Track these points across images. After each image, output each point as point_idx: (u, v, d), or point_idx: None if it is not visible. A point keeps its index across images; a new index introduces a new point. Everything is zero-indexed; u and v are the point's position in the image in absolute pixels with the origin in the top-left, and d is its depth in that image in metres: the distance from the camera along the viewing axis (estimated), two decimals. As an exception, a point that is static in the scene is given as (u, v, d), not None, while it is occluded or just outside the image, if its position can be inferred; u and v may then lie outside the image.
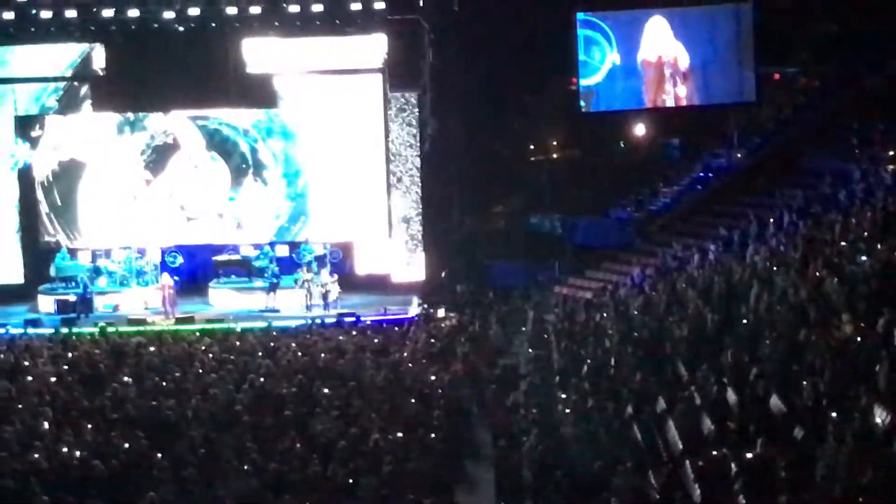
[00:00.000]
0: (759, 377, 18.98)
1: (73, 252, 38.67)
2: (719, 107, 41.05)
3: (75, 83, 38.88)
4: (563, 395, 22.63)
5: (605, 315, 29.90)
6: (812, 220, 30.41)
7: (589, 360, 24.59)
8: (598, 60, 40.75)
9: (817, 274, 23.33)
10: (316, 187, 38.83)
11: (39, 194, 39.14)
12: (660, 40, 40.54)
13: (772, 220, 32.81)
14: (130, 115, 38.85)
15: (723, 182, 39.71)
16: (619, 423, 19.86)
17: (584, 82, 40.94)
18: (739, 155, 40.34)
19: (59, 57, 38.61)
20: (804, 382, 17.80)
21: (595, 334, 27.50)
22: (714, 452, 17.21)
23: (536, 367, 26.39)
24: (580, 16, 40.47)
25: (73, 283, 37.11)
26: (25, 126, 38.94)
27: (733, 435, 17.41)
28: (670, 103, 41.22)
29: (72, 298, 36.21)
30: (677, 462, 17.98)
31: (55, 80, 38.83)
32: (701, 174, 40.69)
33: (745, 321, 22.95)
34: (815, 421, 16.61)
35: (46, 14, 37.74)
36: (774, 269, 26.24)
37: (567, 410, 21.52)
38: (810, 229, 29.14)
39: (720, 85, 40.75)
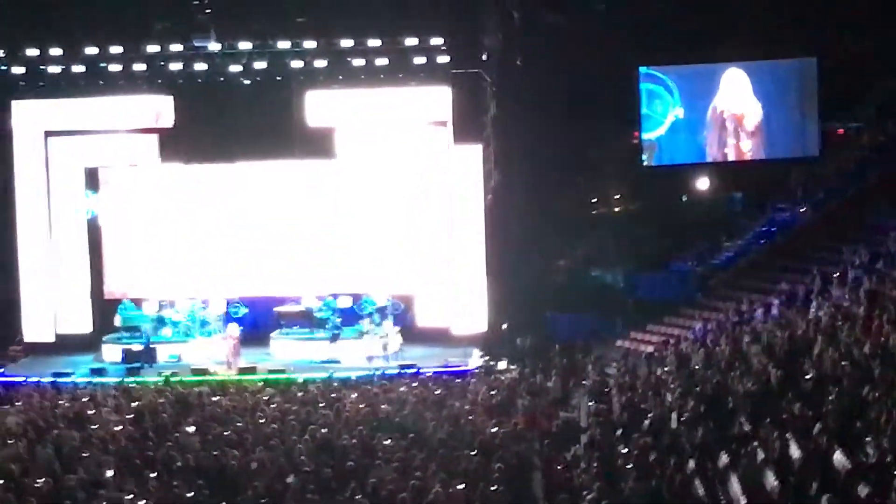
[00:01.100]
0: (823, 433, 18.86)
1: (138, 302, 39.06)
2: (782, 161, 40.95)
3: (143, 135, 39.36)
4: (625, 450, 22.52)
5: (666, 369, 29.76)
6: (876, 275, 30.23)
7: (650, 415, 24.47)
8: (661, 114, 40.81)
9: (882, 329, 23.16)
10: (377, 239, 39.02)
11: (107, 244, 39.58)
12: (734, 93, 40.55)
13: (836, 275, 32.62)
14: (198, 168, 39.26)
15: (786, 236, 39.51)
16: (681, 478, 19.75)
17: (646, 136, 41.01)
18: (803, 209, 40.13)
19: (128, 109, 39.11)
20: (868, 438, 17.67)
21: (657, 388, 27.37)
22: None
23: (597, 421, 26.28)
24: (643, 69, 40.58)
25: (138, 333, 37.45)
26: (94, 177, 39.46)
27: (797, 491, 17.29)
28: (733, 157, 41.18)
29: (136, 348, 36.53)
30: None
31: (123, 132, 39.32)
32: (764, 228, 40.50)
33: (808, 376, 22.82)
34: (879, 478, 16.48)
35: (116, 67, 38.30)
36: (838, 324, 26.09)
37: (628, 465, 21.42)
38: (874, 284, 28.96)
39: (784, 139, 40.69)
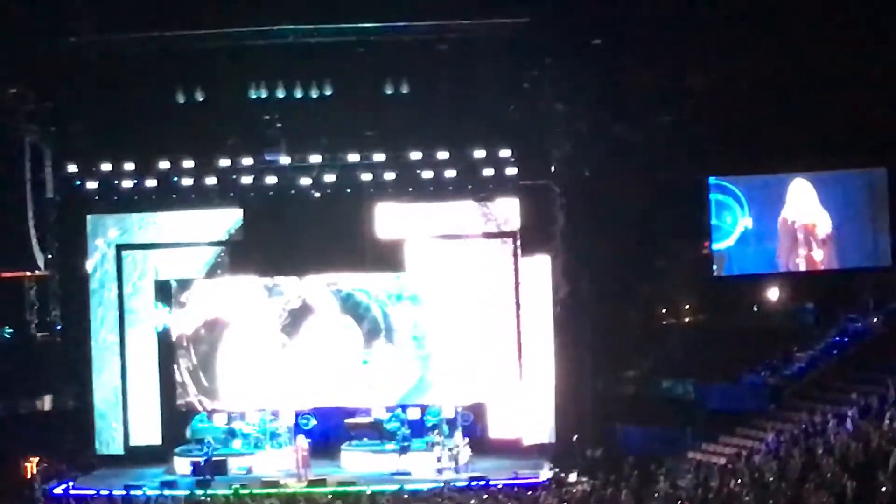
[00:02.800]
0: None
1: (209, 414, 39.23)
2: (854, 271, 40.69)
3: (213, 248, 39.76)
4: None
5: (739, 481, 29.39)
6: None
7: (724, 528, 24.18)
8: (730, 224, 40.73)
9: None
10: (447, 350, 39.11)
11: (178, 357, 39.87)
12: (801, 203, 40.44)
13: (910, 386, 32.22)
14: (268, 280, 39.56)
15: (859, 347, 39.07)
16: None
17: (716, 246, 40.92)
18: (875, 320, 39.76)
19: (199, 222, 39.58)
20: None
21: (729, 501, 27.04)
22: None
23: (670, 534, 25.99)
24: (711, 180, 40.59)
25: (212, 446, 37.54)
26: (165, 290, 39.85)
27: None
28: (804, 267, 40.95)
29: (208, 460, 36.59)
30: None
31: (194, 245, 39.75)
32: (836, 339, 40.10)
33: (884, 489, 22.49)
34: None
35: (187, 181, 38.82)
36: (914, 435, 25.74)
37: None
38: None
39: (854, 249, 40.44)
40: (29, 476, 36.66)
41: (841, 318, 40.61)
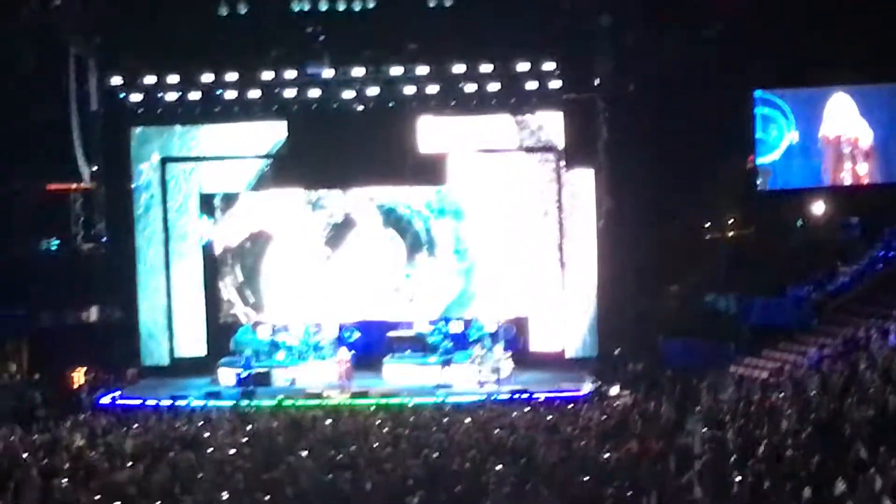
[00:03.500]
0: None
1: (252, 326, 39.53)
2: (899, 185, 40.41)
3: (257, 160, 39.84)
4: (739, 477, 22.30)
5: (781, 395, 29.43)
6: None
7: (765, 442, 24.22)
8: (776, 138, 40.43)
9: None
10: (489, 264, 39.19)
11: (222, 270, 40.11)
12: (841, 118, 40.08)
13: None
14: (312, 194, 39.64)
15: (904, 262, 38.97)
16: (797, 505, 19.50)
17: (760, 160, 40.67)
18: (921, 234, 39.56)
19: (243, 136, 39.63)
20: None
21: (771, 415, 27.08)
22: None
23: (711, 448, 26.04)
24: (757, 93, 40.25)
25: (256, 357, 37.82)
26: (209, 203, 40.01)
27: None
28: (849, 181, 40.67)
29: (252, 372, 36.89)
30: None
31: (238, 158, 39.83)
32: (881, 253, 39.90)
33: (926, 403, 22.47)
34: None
35: (231, 94, 38.84)
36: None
37: (743, 492, 21.18)
38: None
39: (901, 163, 40.17)
40: (76, 386, 37.12)
41: (885, 232, 40.36)
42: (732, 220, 44.41)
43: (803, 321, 38.11)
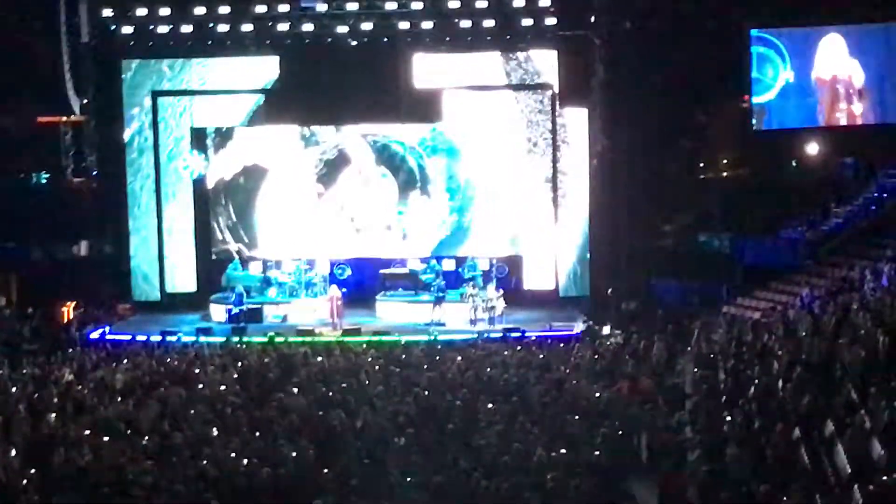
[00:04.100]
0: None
1: (243, 262, 39.43)
2: (894, 126, 40.19)
3: (249, 95, 39.57)
4: (730, 417, 22.31)
5: (773, 336, 29.40)
6: None
7: (756, 382, 24.21)
8: (771, 78, 40.23)
9: None
10: (482, 202, 39.10)
11: (214, 205, 39.94)
12: (835, 58, 39.87)
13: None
14: (305, 130, 39.44)
15: (897, 203, 38.87)
16: (787, 445, 19.51)
17: (756, 100, 40.48)
18: (916, 175, 39.46)
19: (235, 70, 39.35)
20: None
21: (763, 355, 27.07)
22: (884, 477, 16.81)
23: (702, 388, 26.06)
24: (753, 32, 39.99)
25: (247, 293, 37.71)
26: (201, 137, 39.77)
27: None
28: (844, 122, 40.50)
29: (243, 308, 36.80)
30: (846, 487, 17.60)
31: (228, 92, 39.57)
32: (875, 194, 39.81)
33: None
34: None
35: (223, 28, 38.53)
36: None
37: (733, 432, 21.20)
38: None
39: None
40: (66, 321, 37.03)
41: (880, 173, 40.28)
42: (727, 160, 44.32)
43: (796, 261, 38.07)
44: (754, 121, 40.75)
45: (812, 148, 42.27)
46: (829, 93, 40.10)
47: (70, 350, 32.23)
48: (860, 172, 41.16)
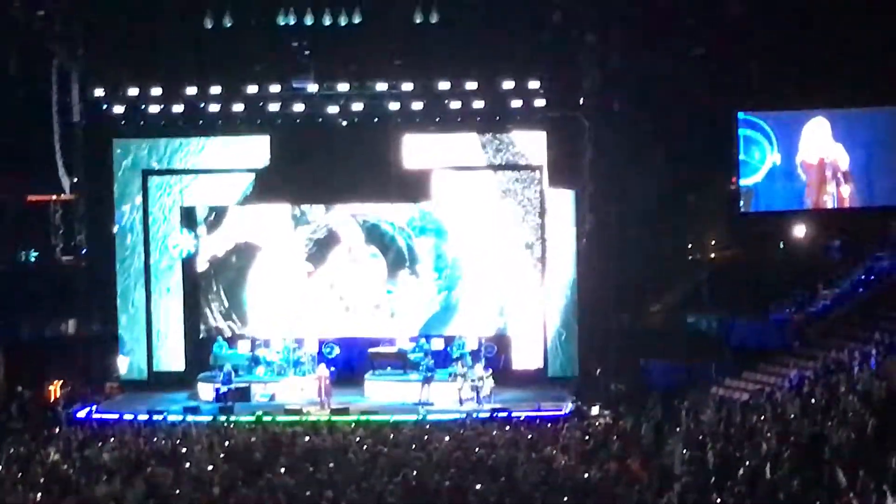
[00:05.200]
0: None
1: (231, 341, 39.40)
2: (881, 209, 40.43)
3: (240, 174, 39.70)
4: (719, 499, 22.25)
5: (762, 417, 29.40)
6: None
7: (745, 463, 24.18)
8: (758, 160, 40.49)
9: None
10: (470, 281, 39.19)
11: (203, 284, 39.97)
12: (820, 141, 40.15)
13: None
14: (295, 209, 39.56)
15: (885, 285, 38.92)
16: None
17: (743, 182, 40.70)
18: (902, 259, 39.61)
19: (226, 149, 39.52)
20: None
21: (751, 437, 27.05)
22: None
23: (691, 469, 25.99)
24: (741, 115, 40.30)
25: (235, 372, 37.62)
26: (191, 216, 39.87)
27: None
28: (831, 204, 40.73)
29: (231, 387, 36.70)
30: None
31: (219, 172, 39.72)
32: (862, 277, 39.94)
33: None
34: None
35: (214, 108, 38.73)
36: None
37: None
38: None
39: (883, 187, 40.18)
40: (53, 399, 36.88)
41: (867, 256, 40.43)
42: (715, 241, 44.46)
43: (784, 343, 38.13)
44: (742, 202, 40.95)
45: (799, 230, 42.45)
46: (817, 175, 40.34)
47: (57, 429, 32.07)
48: (847, 254, 41.33)
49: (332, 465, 24.56)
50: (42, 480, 23.31)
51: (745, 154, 40.42)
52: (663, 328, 41.35)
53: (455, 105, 38.43)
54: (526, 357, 39.21)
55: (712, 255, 44.38)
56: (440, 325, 39.39)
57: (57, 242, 41.37)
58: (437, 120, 38.88)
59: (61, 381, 37.52)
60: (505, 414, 33.11)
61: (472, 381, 36.09)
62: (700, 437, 29.05)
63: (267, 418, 32.19)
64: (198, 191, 39.94)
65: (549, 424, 31.94)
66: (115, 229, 39.82)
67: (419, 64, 38.32)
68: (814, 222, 42.06)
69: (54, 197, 41.10)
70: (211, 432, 29.38)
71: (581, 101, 38.97)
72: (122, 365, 39.70)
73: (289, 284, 39.67)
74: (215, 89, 38.52)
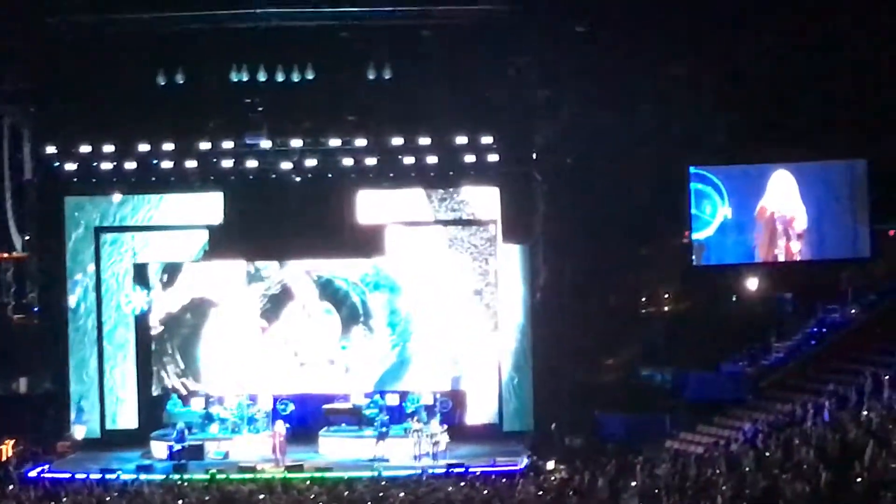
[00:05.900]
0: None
1: (185, 398, 39.20)
2: (833, 262, 40.72)
3: (193, 231, 39.64)
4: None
5: (717, 471, 29.44)
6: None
7: (700, 517, 24.21)
8: (710, 214, 40.71)
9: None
10: (424, 336, 39.20)
11: (156, 341, 39.80)
12: (775, 195, 40.41)
13: (887, 377, 32.27)
14: (250, 266, 39.51)
15: (837, 338, 39.17)
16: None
17: (695, 236, 40.91)
18: (854, 311, 39.84)
19: (179, 206, 39.47)
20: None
21: (706, 490, 27.07)
22: None
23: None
24: (692, 169, 40.56)
25: (188, 430, 37.42)
26: (143, 273, 39.75)
27: None
28: (782, 258, 40.95)
29: (185, 445, 36.48)
30: None
31: (171, 228, 39.66)
32: (815, 329, 40.19)
33: (860, 480, 22.51)
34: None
35: (167, 164, 38.68)
36: (890, 427, 25.75)
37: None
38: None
39: (834, 240, 40.41)
40: (3, 459, 36.51)
41: (819, 308, 40.70)
42: (668, 295, 44.63)
43: (738, 396, 38.26)
44: (694, 256, 41.17)
45: (751, 283, 42.65)
46: (767, 229, 40.58)
47: (9, 488, 31.73)
48: (799, 307, 41.58)
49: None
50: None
51: (697, 208, 40.64)
52: (617, 381, 41.43)
53: (408, 161, 38.54)
54: (480, 411, 39.21)
55: (665, 309, 44.54)
56: (394, 379, 39.33)
57: (8, 300, 41.04)
58: (391, 175, 38.97)
59: (13, 441, 37.19)
60: (461, 469, 33.06)
61: (428, 436, 36.03)
62: (655, 491, 29.05)
63: (221, 476, 31.99)
64: (151, 247, 39.84)
65: (504, 480, 31.87)
66: (68, 286, 39.60)
67: (372, 120, 38.45)
68: (765, 275, 42.29)
69: (6, 255, 40.84)
70: (164, 491, 29.22)
71: (534, 156, 39.16)
72: (79, 431, 39.31)
73: (243, 341, 39.56)
74: (168, 146, 38.45)
